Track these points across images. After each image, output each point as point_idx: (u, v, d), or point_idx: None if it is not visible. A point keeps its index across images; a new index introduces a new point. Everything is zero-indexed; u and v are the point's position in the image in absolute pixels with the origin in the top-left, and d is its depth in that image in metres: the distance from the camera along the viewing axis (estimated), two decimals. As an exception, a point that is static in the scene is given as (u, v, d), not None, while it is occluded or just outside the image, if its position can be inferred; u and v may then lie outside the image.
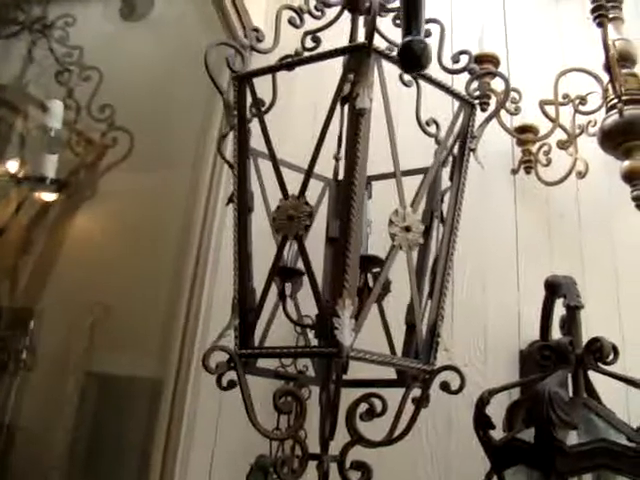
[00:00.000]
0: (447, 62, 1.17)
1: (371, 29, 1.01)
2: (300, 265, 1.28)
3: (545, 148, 1.47)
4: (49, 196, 1.44)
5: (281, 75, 1.20)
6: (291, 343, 1.31)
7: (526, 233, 1.54)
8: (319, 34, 1.27)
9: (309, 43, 1.27)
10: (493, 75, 1.26)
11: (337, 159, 1.36)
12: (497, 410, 1.19)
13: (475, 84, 1.18)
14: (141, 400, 1.53)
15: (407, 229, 1.01)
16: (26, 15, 1.45)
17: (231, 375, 1.02)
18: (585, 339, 1.17)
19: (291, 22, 1.24)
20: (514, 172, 1.53)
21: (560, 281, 1.28)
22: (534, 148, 1.49)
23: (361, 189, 0.98)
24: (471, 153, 1.13)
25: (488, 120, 1.14)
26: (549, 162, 1.47)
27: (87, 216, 1.56)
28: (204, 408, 1.49)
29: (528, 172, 1.50)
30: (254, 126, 1.17)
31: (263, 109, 1.24)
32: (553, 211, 1.53)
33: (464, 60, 1.18)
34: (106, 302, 1.54)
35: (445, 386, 1.01)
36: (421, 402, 1.01)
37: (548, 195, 1.53)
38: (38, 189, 1.41)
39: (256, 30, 1.18)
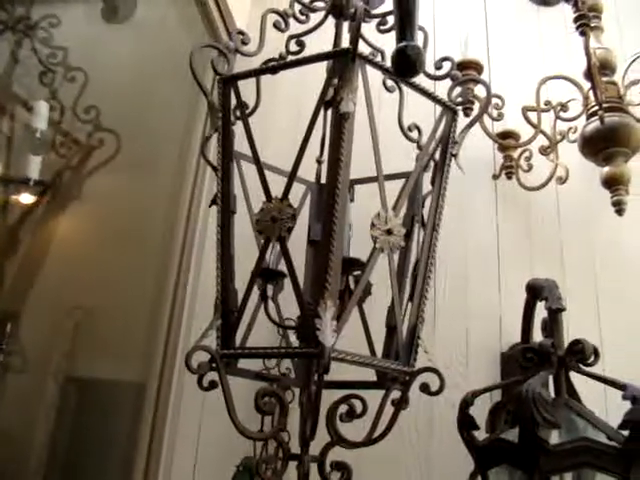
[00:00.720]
0: (430, 69, 1.19)
1: (356, 34, 1.03)
2: (281, 267, 1.30)
3: (526, 154, 1.49)
4: (32, 198, 1.43)
5: (264, 79, 1.21)
6: (273, 345, 1.33)
7: (507, 237, 1.56)
8: (303, 38, 1.28)
9: (293, 47, 1.29)
10: (476, 82, 1.28)
11: (319, 162, 1.37)
12: (479, 412, 1.21)
13: (458, 90, 1.20)
14: (124, 404, 1.52)
15: (389, 232, 1.03)
16: (9, 15, 1.45)
17: (212, 376, 1.02)
18: (565, 341, 1.19)
19: (276, 26, 1.25)
20: (495, 177, 1.56)
21: (542, 284, 1.30)
22: (515, 154, 1.51)
23: (344, 192, 0.99)
24: (452, 158, 1.15)
25: (470, 126, 1.16)
26: (530, 168, 1.49)
27: (70, 218, 1.56)
28: (187, 410, 1.50)
29: (509, 177, 1.52)
30: (236, 129, 1.19)
31: (247, 112, 1.26)
32: (534, 216, 1.56)
33: (447, 67, 1.20)
34: (88, 305, 1.54)
35: (425, 388, 1.03)
36: (401, 403, 1.03)
37: (529, 200, 1.55)
38: (21, 191, 1.40)
39: (241, 33, 1.20)
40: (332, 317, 0.93)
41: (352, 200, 1.23)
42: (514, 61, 1.69)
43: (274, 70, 1.12)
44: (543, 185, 1.46)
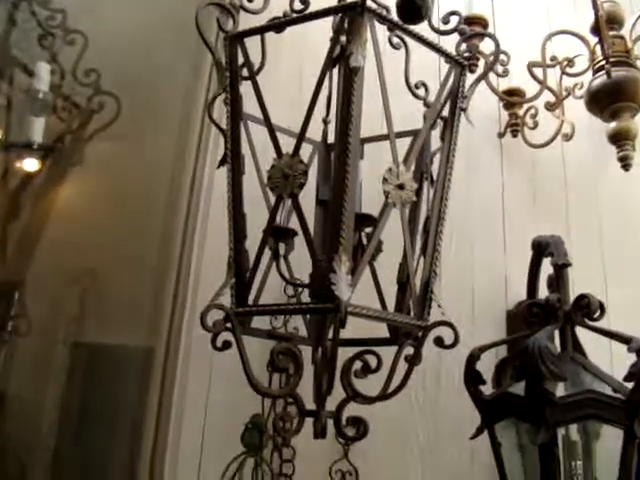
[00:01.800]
0: (436, 23, 1.19)
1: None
2: (291, 226, 1.31)
3: (532, 111, 1.50)
4: (36, 162, 1.43)
5: (267, 37, 1.20)
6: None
7: (512, 195, 1.57)
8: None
9: (297, 5, 1.27)
10: (482, 37, 1.28)
11: (326, 122, 1.37)
12: (485, 368, 1.23)
13: (465, 45, 1.20)
14: (132, 367, 1.54)
15: (400, 187, 1.03)
16: (5, -22, 1.43)
17: (225, 337, 1.04)
18: (571, 297, 1.21)
19: (280, -18, 1.24)
20: (501, 135, 1.56)
21: (548, 240, 1.32)
22: (521, 111, 1.51)
23: (355, 149, 0.99)
24: (462, 113, 1.15)
25: (479, 80, 1.16)
26: (536, 125, 1.50)
27: (74, 182, 1.56)
28: (195, 371, 1.51)
29: (515, 135, 1.52)
30: (243, 89, 1.18)
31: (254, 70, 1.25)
32: (539, 173, 1.57)
33: (454, 21, 1.20)
34: (94, 269, 1.55)
35: (439, 341, 1.04)
36: (415, 359, 1.04)
37: (534, 158, 1.56)
38: (25, 155, 1.39)
39: (245, -10, 1.18)
40: (347, 272, 0.94)
41: (362, 158, 1.22)
42: (519, 17, 1.67)
43: (281, 27, 1.11)
44: (549, 142, 1.47)
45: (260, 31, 1.14)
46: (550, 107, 1.44)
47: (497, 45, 1.19)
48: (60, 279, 1.57)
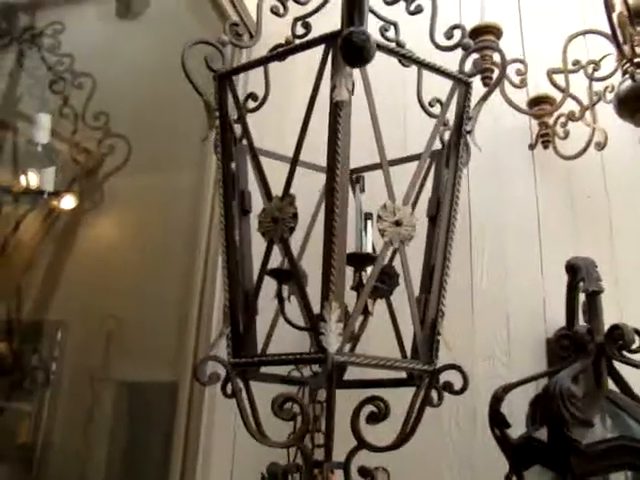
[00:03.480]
0: (440, 39, 1.16)
1: (348, 12, 1.00)
2: (306, 263, 1.31)
3: (562, 120, 1.43)
4: (48, 209, 1.50)
5: (277, 66, 1.21)
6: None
7: (548, 212, 1.51)
8: (310, 20, 1.26)
9: (299, 30, 1.28)
10: (490, 49, 1.24)
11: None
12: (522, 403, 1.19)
13: (472, 60, 1.16)
14: (159, 405, 1.59)
15: (398, 223, 1.01)
16: (14, 26, 1.51)
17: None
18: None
19: (273, 11, 1.24)
20: (532, 147, 1.50)
21: (579, 264, 1.26)
22: (551, 120, 1.45)
23: (344, 184, 0.98)
24: (467, 136, 1.12)
25: (484, 99, 1.13)
26: (567, 135, 1.43)
27: (91, 226, 1.62)
28: (221, 415, 1.53)
29: (546, 146, 1.47)
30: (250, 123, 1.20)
31: (256, 104, 1.26)
32: (577, 186, 1.50)
33: (457, 35, 1.17)
34: (119, 313, 1.60)
35: (448, 387, 1.01)
36: (423, 403, 1.01)
37: (570, 170, 1.50)
38: (37, 203, 1.46)
39: (235, 25, 1.19)
40: (337, 319, 0.93)
41: (363, 190, 1.21)
42: (543, 19, 1.62)
43: (267, 61, 1.12)
44: (580, 153, 1.40)
45: (248, 67, 1.16)
46: (573, 117, 1.37)
47: (503, 58, 1.15)
48: (87, 323, 1.64)
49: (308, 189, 1.21)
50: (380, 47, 1.05)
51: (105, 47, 1.59)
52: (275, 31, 1.23)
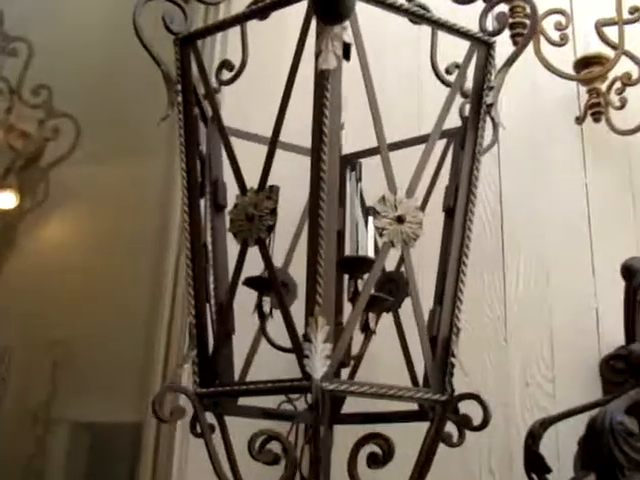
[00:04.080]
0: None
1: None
2: (296, 270, 1.35)
3: (618, 85, 1.46)
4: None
5: (255, 28, 1.25)
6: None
7: (601, 201, 1.54)
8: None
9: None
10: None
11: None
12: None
13: (495, 14, 1.20)
14: (118, 449, 1.63)
15: (399, 220, 1.05)
16: None
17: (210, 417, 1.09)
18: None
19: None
20: (579, 121, 1.53)
21: (637, 265, 1.29)
22: (604, 86, 1.48)
23: (332, 171, 1.02)
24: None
25: (508, 64, 1.17)
26: (623, 104, 1.46)
27: (35, 230, 1.67)
28: (196, 457, 1.57)
29: (597, 119, 1.49)
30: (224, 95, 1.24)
31: (231, 74, 1.30)
32: (637, 170, 1.52)
33: (477, -16, 1.21)
34: (69, 336, 1.65)
35: (465, 421, 1.04)
36: (435, 441, 1.05)
37: (629, 149, 1.52)
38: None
39: (200, -26, 1.24)
40: (325, 339, 0.96)
41: (359, 179, 1.25)
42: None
43: (242, 20, 1.17)
44: (640, 127, 1.43)
45: (216, 29, 1.20)
46: (630, 81, 1.40)
47: (534, 9, 1.18)
48: (28, 351, 1.69)
49: (301, 177, 1.25)
50: (388, 5, 1.10)
51: (44, 2, 1.63)
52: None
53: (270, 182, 1.10)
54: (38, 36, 1.58)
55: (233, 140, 1.21)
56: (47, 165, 1.61)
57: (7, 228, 1.61)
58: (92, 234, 1.70)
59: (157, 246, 1.68)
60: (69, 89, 1.60)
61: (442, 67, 1.32)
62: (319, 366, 0.95)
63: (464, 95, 1.25)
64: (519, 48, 1.16)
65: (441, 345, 1.08)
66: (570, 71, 1.52)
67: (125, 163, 1.68)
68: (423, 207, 1.21)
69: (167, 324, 1.64)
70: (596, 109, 1.49)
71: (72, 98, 1.60)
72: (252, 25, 1.24)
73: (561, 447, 1.34)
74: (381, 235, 1.04)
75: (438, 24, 1.17)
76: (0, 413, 1.70)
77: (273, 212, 1.06)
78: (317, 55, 1.04)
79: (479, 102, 1.16)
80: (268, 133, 1.17)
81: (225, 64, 1.31)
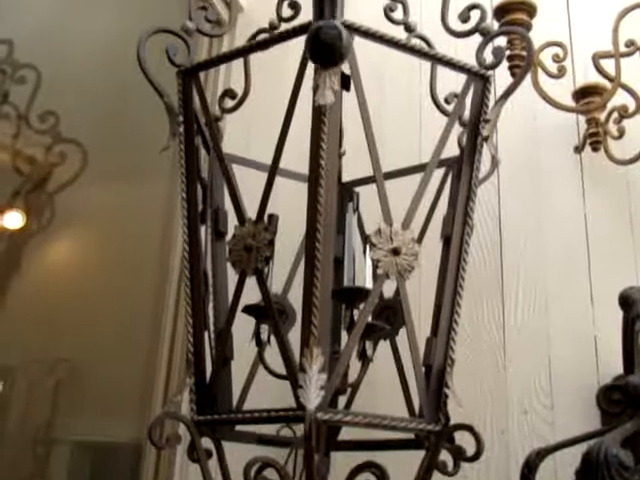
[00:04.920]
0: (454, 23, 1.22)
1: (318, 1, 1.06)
2: (291, 296, 1.37)
3: (615, 115, 1.48)
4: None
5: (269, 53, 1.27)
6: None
7: (600, 231, 1.55)
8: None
9: (287, 11, 1.34)
10: (511, 34, 1.29)
11: (339, 155, 1.43)
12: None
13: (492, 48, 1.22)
14: (119, 470, 1.65)
15: (395, 252, 1.07)
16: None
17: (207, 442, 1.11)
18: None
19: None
20: (578, 150, 1.55)
21: (635, 295, 1.30)
22: (602, 116, 1.50)
23: (329, 204, 1.04)
24: (484, 143, 1.17)
25: (505, 97, 1.18)
26: (621, 133, 1.47)
27: (41, 252, 1.69)
28: (196, 477, 1.59)
29: (596, 149, 1.51)
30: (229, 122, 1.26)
31: (234, 102, 1.33)
32: (636, 200, 1.54)
33: (475, 17, 1.23)
34: (72, 359, 1.67)
35: (459, 452, 1.06)
36: (428, 471, 1.06)
37: (627, 178, 1.54)
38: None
39: (204, 8, 1.26)
40: (320, 369, 0.98)
41: (356, 209, 1.27)
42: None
43: (238, 55, 1.19)
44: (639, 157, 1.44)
45: (216, 62, 1.23)
46: (626, 113, 1.42)
47: (529, 44, 1.20)
48: (33, 369, 1.71)
49: (303, 204, 1.26)
50: (374, 35, 1.12)
51: (53, 30, 1.66)
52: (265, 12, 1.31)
53: (273, 208, 1.13)
54: (46, 63, 1.60)
55: (235, 167, 1.26)
56: (54, 189, 1.63)
57: (12, 249, 1.63)
58: (95, 257, 1.72)
59: (160, 269, 1.71)
60: (76, 115, 1.62)
61: (444, 94, 1.36)
62: (313, 397, 0.96)
63: (463, 124, 1.27)
64: (515, 82, 1.17)
65: (435, 376, 1.10)
66: (569, 100, 1.54)
67: (129, 187, 1.71)
68: (422, 234, 1.24)
69: (169, 345, 1.66)
70: (595, 139, 1.51)
71: (79, 124, 1.62)
72: (255, 54, 1.26)
73: (559, 477, 1.35)
74: (376, 267, 1.06)
75: (435, 58, 1.20)
76: (1, 432, 1.71)
77: (271, 243, 1.08)
78: (314, 90, 1.06)
79: (476, 134, 1.18)
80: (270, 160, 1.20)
81: (228, 92, 1.34)
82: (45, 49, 1.64)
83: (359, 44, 1.16)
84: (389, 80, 1.74)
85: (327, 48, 0.87)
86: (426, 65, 1.35)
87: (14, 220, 1.65)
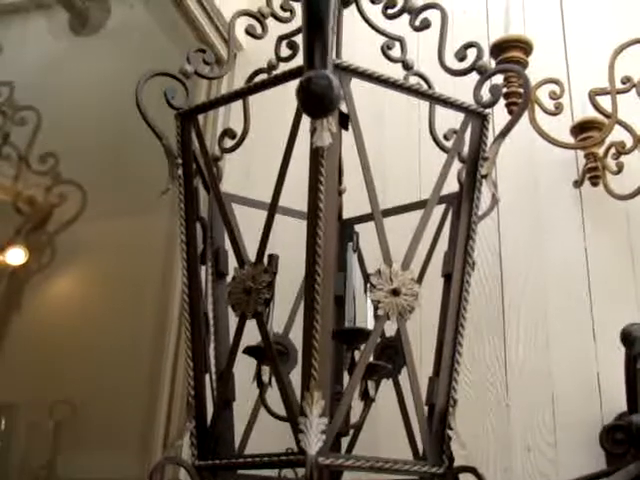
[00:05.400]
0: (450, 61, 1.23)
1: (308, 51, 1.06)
2: (293, 336, 1.36)
3: (613, 150, 1.48)
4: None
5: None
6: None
7: (601, 266, 1.55)
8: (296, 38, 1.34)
9: (285, 51, 1.35)
10: (508, 72, 1.30)
11: (340, 193, 1.44)
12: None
13: (491, 85, 1.23)
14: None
15: (395, 293, 1.06)
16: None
17: None
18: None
19: (249, 32, 1.32)
20: (577, 185, 1.55)
21: (636, 332, 1.29)
22: (601, 151, 1.50)
23: (329, 247, 1.03)
24: (483, 180, 1.18)
25: (503, 135, 1.18)
26: (620, 168, 1.48)
27: (40, 292, 1.69)
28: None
29: (595, 183, 1.51)
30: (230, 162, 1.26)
31: (234, 141, 1.34)
32: (636, 234, 1.53)
33: (472, 55, 1.23)
34: (72, 397, 1.66)
35: (464, 493, 1.05)
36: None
37: (627, 213, 1.54)
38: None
39: (201, 51, 1.27)
40: (320, 413, 0.97)
41: (355, 250, 1.27)
42: (587, 30, 1.70)
43: (235, 97, 1.20)
44: (638, 192, 1.44)
45: (214, 104, 1.23)
46: (623, 149, 1.42)
47: (526, 82, 1.21)
48: (33, 409, 1.70)
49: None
50: (370, 76, 1.12)
51: (53, 72, 1.67)
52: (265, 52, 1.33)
53: (276, 245, 1.14)
54: (47, 104, 1.61)
55: (235, 206, 1.26)
56: (54, 229, 1.63)
57: (12, 287, 1.63)
58: (95, 297, 1.73)
59: (160, 309, 1.70)
60: (75, 156, 1.62)
61: (443, 130, 1.36)
62: (314, 442, 0.96)
63: (462, 160, 1.27)
64: (512, 120, 1.18)
65: (438, 417, 1.09)
66: (567, 135, 1.54)
67: (129, 227, 1.71)
68: (423, 272, 1.23)
69: (169, 384, 1.66)
70: (594, 173, 1.51)
71: (78, 164, 1.62)
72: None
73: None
74: (377, 308, 1.06)
75: (432, 97, 1.20)
76: (2, 473, 1.70)
77: (270, 285, 1.08)
78: (312, 133, 1.06)
79: (474, 172, 1.18)
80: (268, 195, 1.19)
81: (227, 132, 1.35)
82: (45, 91, 1.65)
83: (357, 82, 1.18)
84: (389, 117, 1.75)
85: (318, 99, 0.87)
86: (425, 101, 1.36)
87: (15, 257, 1.65)
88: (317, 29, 0.88)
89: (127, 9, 1.96)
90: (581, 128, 1.51)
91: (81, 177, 1.64)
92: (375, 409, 1.19)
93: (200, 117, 1.27)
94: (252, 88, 1.18)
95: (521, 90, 1.37)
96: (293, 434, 0.99)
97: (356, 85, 1.12)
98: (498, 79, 1.39)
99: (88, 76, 1.71)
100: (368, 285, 1.07)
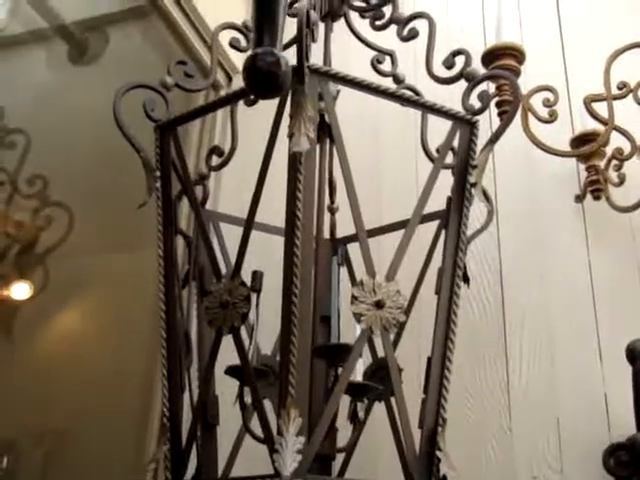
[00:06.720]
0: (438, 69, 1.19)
1: (301, 45, 1.03)
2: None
3: (615, 162, 1.43)
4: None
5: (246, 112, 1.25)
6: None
7: (606, 282, 1.50)
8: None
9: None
10: (498, 79, 1.26)
11: (332, 211, 1.39)
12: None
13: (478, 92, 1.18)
14: None
15: (379, 305, 1.01)
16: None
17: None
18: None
19: (233, 45, 1.29)
20: (579, 199, 1.50)
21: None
22: (602, 163, 1.45)
23: (306, 258, 0.99)
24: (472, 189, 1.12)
25: (492, 142, 1.14)
26: (622, 180, 1.43)
27: (26, 321, 1.66)
28: None
29: (597, 197, 1.46)
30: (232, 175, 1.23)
31: (221, 159, 1.30)
32: (641, 245, 1.49)
33: (460, 63, 1.19)
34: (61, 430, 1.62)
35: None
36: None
37: (632, 226, 1.49)
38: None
39: (182, 63, 1.24)
40: (297, 432, 0.92)
41: (341, 264, 1.22)
42: (585, 36, 1.66)
43: (213, 108, 1.16)
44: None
45: (192, 116, 1.19)
46: (621, 156, 1.37)
47: (516, 91, 1.17)
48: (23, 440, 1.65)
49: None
50: (347, 80, 1.09)
51: (42, 96, 1.66)
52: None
53: (271, 265, 1.10)
54: (36, 127, 1.59)
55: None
56: (42, 253, 1.60)
57: (3, 317, 1.60)
58: (87, 325, 1.69)
59: (152, 340, 1.66)
60: (64, 178, 1.60)
61: (437, 144, 1.32)
62: (289, 462, 0.90)
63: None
64: (502, 125, 1.13)
65: (426, 438, 1.02)
66: (566, 147, 1.50)
67: (119, 253, 1.69)
68: (417, 288, 1.20)
69: (159, 416, 1.61)
70: (595, 186, 1.46)
71: (67, 186, 1.60)
72: (243, 108, 1.26)
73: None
74: (359, 321, 1.00)
75: (419, 104, 1.16)
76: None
77: (247, 299, 1.03)
78: (290, 137, 1.02)
79: (463, 182, 1.13)
80: (262, 215, 1.15)
81: (215, 150, 1.31)
82: (35, 114, 1.63)
83: (353, 97, 1.16)
84: (384, 129, 1.72)
85: (263, 76, 0.83)
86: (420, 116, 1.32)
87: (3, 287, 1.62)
88: (266, 6, 0.85)
89: (125, 38, 1.96)
90: (582, 140, 1.47)
91: (69, 200, 1.61)
92: (371, 432, 1.17)
93: (194, 135, 1.25)
94: (232, 96, 1.15)
95: (509, 97, 1.33)
96: (269, 455, 0.94)
97: (351, 98, 1.11)
98: (491, 89, 1.36)
99: (78, 99, 1.69)
100: (350, 297, 1.02)
